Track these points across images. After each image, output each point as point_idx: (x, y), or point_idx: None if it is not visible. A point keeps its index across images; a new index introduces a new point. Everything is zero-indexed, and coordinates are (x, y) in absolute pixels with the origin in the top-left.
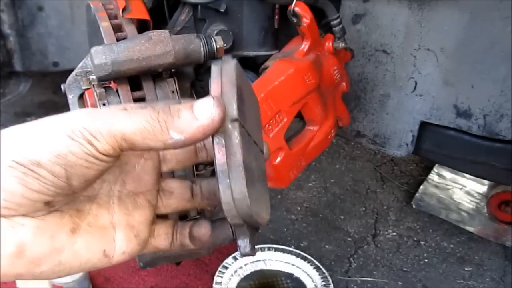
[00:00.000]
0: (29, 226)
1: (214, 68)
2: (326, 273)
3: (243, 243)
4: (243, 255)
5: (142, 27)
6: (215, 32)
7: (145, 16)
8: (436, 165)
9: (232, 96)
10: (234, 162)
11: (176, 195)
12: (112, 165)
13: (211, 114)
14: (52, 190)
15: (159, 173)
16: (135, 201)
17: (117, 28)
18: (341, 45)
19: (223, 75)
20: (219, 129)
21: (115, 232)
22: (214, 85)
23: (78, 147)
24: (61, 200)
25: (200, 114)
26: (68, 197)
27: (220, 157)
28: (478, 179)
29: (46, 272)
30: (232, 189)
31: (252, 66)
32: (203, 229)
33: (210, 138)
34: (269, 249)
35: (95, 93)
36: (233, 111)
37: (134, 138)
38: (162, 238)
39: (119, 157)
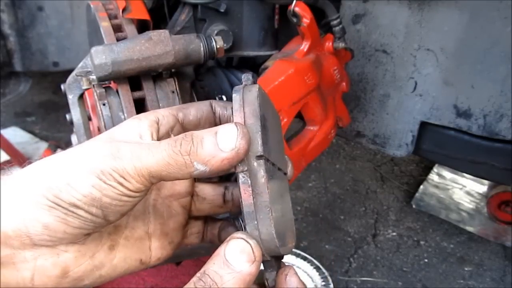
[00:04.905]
0: (72, 251)
1: (236, 98)
2: (326, 273)
3: (271, 276)
4: (271, 287)
5: (142, 27)
6: (215, 32)
7: (145, 16)
8: (436, 165)
9: (256, 130)
10: (261, 203)
11: (209, 201)
12: (145, 195)
13: (236, 147)
14: (92, 226)
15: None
16: (170, 209)
17: (117, 28)
18: (341, 45)
19: (246, 106)
20: (244, 159)
21: (151, 242)
22: (237, 118)
23: (111, 190)
24: (99, 228)
25: (224, 144)
26: (106, 226)
27: (246, 198)
28: (478, 179)
29: (88, 285)
30: (260, 231)
31: (252, 66)
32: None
33: (234, 170)
34: None
35: (95, 93)
36: (258, 147)
37: (160, 173)
38: (194, 237)
39: (150, 187)
